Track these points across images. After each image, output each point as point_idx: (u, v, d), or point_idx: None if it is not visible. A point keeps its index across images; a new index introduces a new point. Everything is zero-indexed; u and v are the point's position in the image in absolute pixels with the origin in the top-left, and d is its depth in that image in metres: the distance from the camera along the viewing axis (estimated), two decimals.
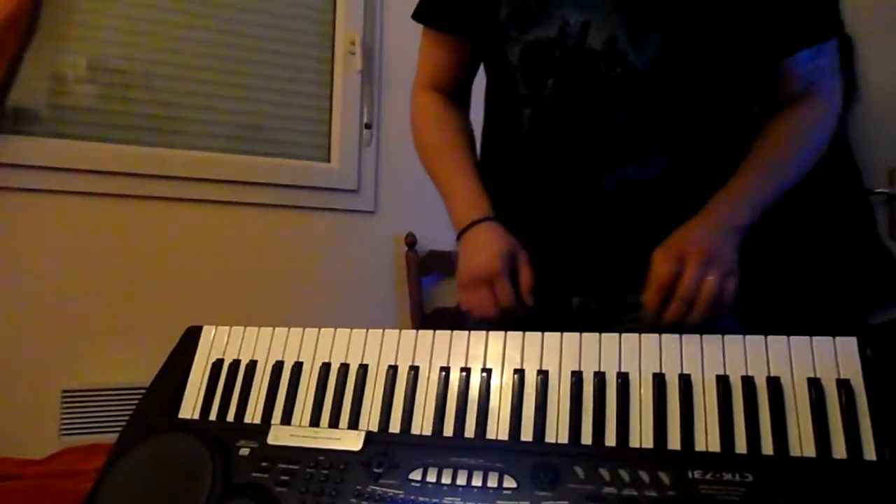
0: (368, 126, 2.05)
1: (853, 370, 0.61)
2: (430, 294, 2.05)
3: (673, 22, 0.80)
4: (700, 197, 0.85)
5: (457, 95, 1.00)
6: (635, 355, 0.68)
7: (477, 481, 0.61)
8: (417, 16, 0.97)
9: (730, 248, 0.76)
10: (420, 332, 0.75)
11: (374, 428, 0.70)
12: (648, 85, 0.82)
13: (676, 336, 0.68)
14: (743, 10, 0.81)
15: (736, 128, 0.89)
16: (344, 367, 0.75)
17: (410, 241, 1.99)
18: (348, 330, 0.77)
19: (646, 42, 0.81)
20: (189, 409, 0.77)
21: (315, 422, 0.72)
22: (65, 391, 1.69)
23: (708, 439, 0.62)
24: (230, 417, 0.75)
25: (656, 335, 0.68)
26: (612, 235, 0.83)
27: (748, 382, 0.63)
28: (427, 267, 2.01)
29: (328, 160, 2.04)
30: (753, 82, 0.89)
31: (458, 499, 0.61)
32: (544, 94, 0.86)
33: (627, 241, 0.86)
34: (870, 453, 0.58)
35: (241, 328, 0.81)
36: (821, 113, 0.88)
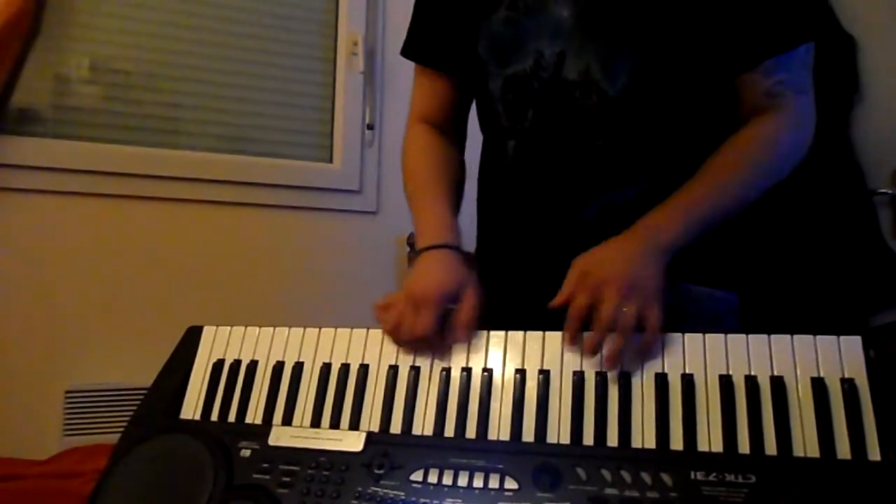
0: (370, 127, 2.05)
1: (857, 369, 0.61)
2: None
3: (641, 49, 0.81)
4: None
5: (449, 129, 1.02)
6: (637, 355, 0.67)
7: (478, 482, 0.61)
8: (405, 52, 1.00)
9: (652, 272, 0.72)
10: None
11: (375, 428, 0.69)
12: (623, 111, 0.83)
13: (679, 335, 0.67)
14: (709, 28, 0.81)
15: (715, 132, 0.87)
16: (345, 368, 0.75)
17: (412, 242, 1.99)
18: (349, 330, 0.77)
19: (616, 70, 0.82)
20: (190, 409, 0.77)
21: (316, 422, 0.72)
22: (68, 391, 1.68)
23: (711, 440, 0.61)
24: (231, 418, 0.75)
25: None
26: None
27: (751, 382, 0.63)
28: None
29: (330, 161, 2.04)
30: (722, 97, 0.86)
31: (460, 500, 0.61)
32: (525, 126, 0.88)
33: None
34: (874, 454, 0.57)
35: (242, 328, 0.81)
36: (779, 132, 0.82)
